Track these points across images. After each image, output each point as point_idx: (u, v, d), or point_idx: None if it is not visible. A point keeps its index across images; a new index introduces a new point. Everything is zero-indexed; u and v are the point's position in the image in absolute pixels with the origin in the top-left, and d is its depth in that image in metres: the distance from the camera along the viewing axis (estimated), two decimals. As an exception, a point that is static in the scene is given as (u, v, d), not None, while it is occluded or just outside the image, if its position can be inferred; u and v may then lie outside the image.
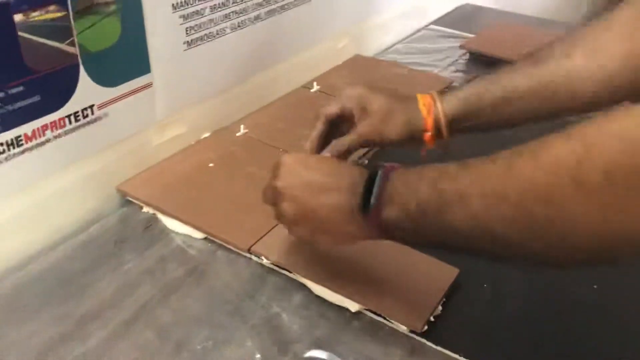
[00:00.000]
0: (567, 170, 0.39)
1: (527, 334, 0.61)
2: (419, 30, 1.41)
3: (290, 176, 0.57)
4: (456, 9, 1.55)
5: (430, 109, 0.67)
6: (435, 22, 1.45)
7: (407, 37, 1.37)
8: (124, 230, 0.72)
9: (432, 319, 0.60)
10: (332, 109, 0.70)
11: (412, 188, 0.49)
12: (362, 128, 0.68)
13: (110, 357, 0.55)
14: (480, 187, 0.45)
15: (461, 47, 1.26)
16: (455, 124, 0.67)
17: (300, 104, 1.01)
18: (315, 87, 1.05)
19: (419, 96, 0.69)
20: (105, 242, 0.70)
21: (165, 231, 0.72)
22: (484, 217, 0.44)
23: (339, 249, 0.61)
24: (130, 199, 0.76)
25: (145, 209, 0.75)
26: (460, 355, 0.57)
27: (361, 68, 1.15)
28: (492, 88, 0.66)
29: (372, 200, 0.50)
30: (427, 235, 0.49)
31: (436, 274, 0.64)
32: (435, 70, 1.18)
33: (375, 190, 0.50)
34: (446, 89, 0.71)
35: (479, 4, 1.59)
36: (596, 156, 0.38)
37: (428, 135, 0.67)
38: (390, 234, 0.51)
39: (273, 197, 0.58)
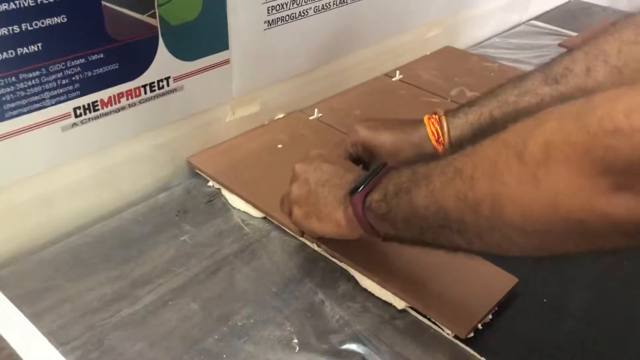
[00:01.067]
0: (514, 145, 0.39)
1: (580, 358, 0.56)
2: (518, 25, 1.34)
3: (310, 164, 0.61)
4: (562, 4, 1.46)
5: (440, 137, 0.66)
6: (538, 18, 1.37)
7: (505, 31, 1.31)
8: (188, 201, 0.74)
9: (480, 327, 0.58)
10: (343, 156, 0.71)
11: (396, 175, 0.52)
12: None
13: (154, 322, 0.57)
14: (443, 166, 0.46)
15: (560, 45, 1.19)
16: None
17: (380, 92, 0.99)
18: (398, 76, 1.02)
19: (426, 121, 0.67)
20: (169, 211, 0.72)
21: (226, 206, 0.73)
22: (440, 193, 0.45)
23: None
24: (198, 171, 0.78)
25: (211, 183, 0.76)
26: (504, 370, 0.55)
27: (450, 60, 1.11)
28: (505, 109, 0.63)
29: (363, 184, 0.53)
30: (396, 218, 0.50)
31: (493, 281, 0.61)
32: (529, 68, 1.12)
33: (369, 178, 0.54)
34: (462, 105, 0.67)
35: (590, 0, 1.49)
36: (540, 132, 0.38)
37: None
38: (369, 222, 0.53)
39: (291, 178, 0.63)
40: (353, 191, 0.55)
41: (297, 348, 0.56)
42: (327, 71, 0.94)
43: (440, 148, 0.66)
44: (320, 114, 0.90)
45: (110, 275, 0.62)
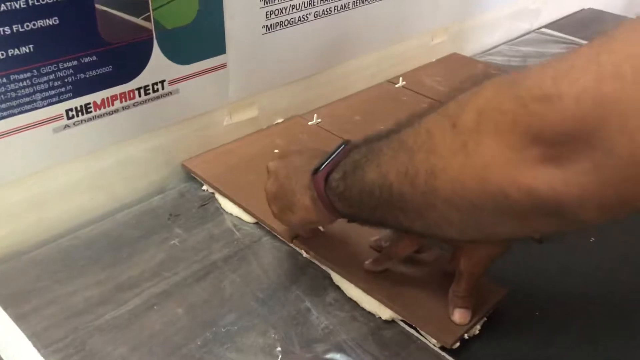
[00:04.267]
0: (452, 114, 0.39)
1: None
2: (528, 33, 1.32)
3: (282, 160, 0.61)
4: (575, 13, 1.44)
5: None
6: (549, 26, 1.36)
7: (514, 39, 1.30)
8: (181, 205, 0.73)
9: (466, 336, 0.56)
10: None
11: (355, 152, 0.50)
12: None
13: (137, 326, 0.57)
14: (392, 139, 0.45)
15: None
16: None
17: (382, 98, 0.98)
18: (401, 83, 1.01)
19: None
20: (162, 214, 0.72)
21: (219, 211, 0.73)
22: (386, 167, 0.45)
23: (301, 231, 0.64)
24: (193, 175, 0.78)
25: (205, 187, 0.76)
26: (490, 384, 0.53)
27: (455, 67, 1.10)
28: None
29: (324, 164, 0.52)
30: (352, 196, 0.49)
31: (482, 291, 0.60)
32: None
33: (330, 158, 0.52)
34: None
35: (603, 8, 1.47)
36: (475, 100, 0.38)
37: None
38: (331, 201, 0.52)
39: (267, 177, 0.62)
40: (315, 172, 0.54)
41: (280, 356, 0.55)
42: (327, 77, 0.93)
43: None
44: (320, 120, 0.89)
45: (98, 278, 0.62)
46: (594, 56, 0.33)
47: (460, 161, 0.38)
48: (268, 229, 0.69)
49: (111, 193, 0.72)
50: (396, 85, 1.01)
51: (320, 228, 0.66)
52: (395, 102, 0.97)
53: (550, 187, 0.33)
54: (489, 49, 1.24)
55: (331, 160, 0.53)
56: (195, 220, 0.71)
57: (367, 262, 0.62)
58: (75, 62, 0.62)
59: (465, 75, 1.08)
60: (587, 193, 0.33)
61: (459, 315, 0.56)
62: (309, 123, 0.89)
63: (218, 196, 0.74)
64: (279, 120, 0.89)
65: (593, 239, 0.71)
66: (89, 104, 0.65)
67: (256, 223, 0.71)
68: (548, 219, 0.36)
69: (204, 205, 0.74)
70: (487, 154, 0.36)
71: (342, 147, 0.53)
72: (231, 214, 0.72)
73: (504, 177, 0.35)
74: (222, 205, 0.73)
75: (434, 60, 1.12)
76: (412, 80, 1.03)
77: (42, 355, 0.53)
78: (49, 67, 0.60)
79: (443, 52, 1.13)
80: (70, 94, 0.63)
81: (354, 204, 0.51)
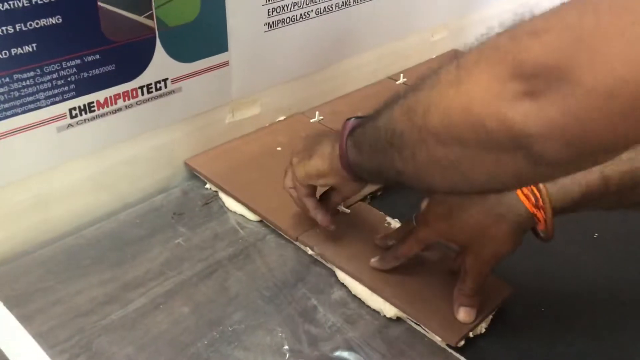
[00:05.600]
0: (460, 56, 0.39)
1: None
2: (527, 29, 1.32)
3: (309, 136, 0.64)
4: (574, 8, 1.44)
5: (537, 199, 0.54)
6: (548, 22, 1.35)
7: (514, 35, 1.29)
8: (185, 203, 0.73)
9: (470, 335, 0.56)
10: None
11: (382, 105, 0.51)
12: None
13: (144, 326, 0.57)
14: (407, 94, 0.45)
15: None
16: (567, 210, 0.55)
17: (384, 95, 0.96)
18: (402, 79, 1.01)
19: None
20: (166, 213, 0.71)
21: (222, 209, 0.73)
22: (396, 109, 0.45)
23: (305, 185, 0.63)
24: (196, 174, 0.77)
25: (208, 185, 0.76)
26: (498, 381, 0.53)
27: (455, 64, 1.10)
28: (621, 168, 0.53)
29: (353, 120, 0.55)
30: (364, 142, 0.51)
31: (488, 289, 0.60)
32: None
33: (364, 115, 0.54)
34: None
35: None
36: (483, 42, 0.38)
37: (542, 226, 0.55)
38: (346, 149, 0.54)
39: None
40: (348, 119, 0.56)
41: (288, 355, 0.55)
42: (329, 74, 0.93)
43: (539, 214, 0.54)
44: (322, 117, 0.89)
45: (103, 278, 0.62)
46: None
47: (451, 94, 0.39)
48: (272, 226, 0.69)
49: (115, 192, 0.72)
50: (397, 82, 1.01)
51: (342, 208, 0.69)
52: (396, 99, 0.97)
53: (524, 119, 0.34)
54: (489, 45, 1.24)
55: (365, 115, 0.54)
56: (199, 219, 0.71)
57: (373, 260, 0.61)
58: (78, 61, 0.62)
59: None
60: (552, 125, 0.33)
61: (463, 314, 0.56)
62: (311, 120, 0.88)
63: (221, 194, 0.74)
64: (281, 118, 0.88)
65: (597, 234, 0.71)
66: (92, 103, 0.65)
67: (260, 221, 0.71)
68: (519, 154, 0.36)
69: (208, 203, 0.74)
70: (475, 86, 0.37)
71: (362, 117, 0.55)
72: (235, 212, 0.72)
73: (486, 108, 0.36)
74: (226, 204, 0.73)
75: (434, 56, 1.12)
76: (413, 77, 1.02)
77: (49, 355, 0.53)
78: (52, 66, 0.60)
79: (443, 49, 1.13)
80: (73, 93, 0.63)
81: (364, 150, 0.52)
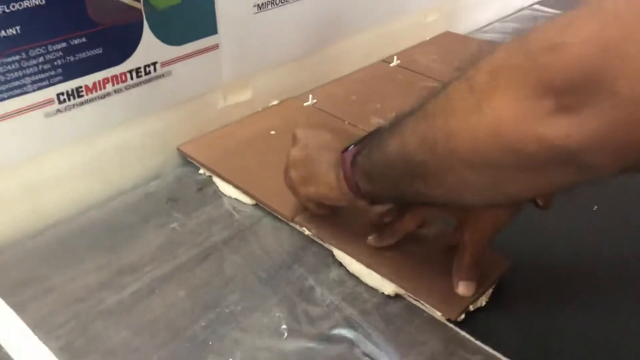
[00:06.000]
0: (469, 77, 0.39)
1: (583, 346, 0.54)
2: (521, 10, 1.31)
3: (312, 129, 0.62)
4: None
5: None
6: (542, 2, 1.35)
7: (507, 16, 1.29)
8: (178, 189, 0.72)
9: (471, 308, 0.56)
10: None
11: (383, 128, 0.50)
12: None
13: (139, 310, 0.56)
14: (416, 109, 0.45)
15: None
16: None
17: (377, 78, 0.97)
18: (395, 62, 1.00)
19: None
20: (159, 199, 0.70)
21: (217, 194, 0.72)
22: (407, 137, 0.45)
23: (311, 205, 0.62)
24: (189, 159, 0.76)
25: (202, 171, 0.75)
26: (500, 353, 0.52)
27: (449, 45, 1.09)
28: None
29: (355, 143, 0.54)
30: (374, 171, 0.50)
31: (485, 264, 0.59)
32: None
33: (363, 137, 0.53)
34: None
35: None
36: (489, 60, 0.38)
37: None
38: (355, 180, 0.53)
39: (292, 142, 0.62)
40: (344, 150, 0.54)
41: (286, 334, 0.54)
42: (321, 57, 0.92)
43: None
44: (315, 100, 0.88)
45: (97, 264, 0.61)
46: (598, 3, 0.32)
47: (475, 120, 0.38)
48: (268, 209, 0.68)
49: (107, 179, 0.71)
50: (391, 65, 1.00)
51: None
52: (390, 81, 0.96)
53: (564, 135, 0.33)
54: (482, 27, 1.23)
55: (362, 138, 0.53)
56: (193, 204, 0.70)
57: (370, 238, 0.61)
58: (64, 44, 0.61)
59: (459, 53, 1.08)
60: (598, 136, 0.32)
61: (463, 288, 0.55)
62: (305, 104, 0.87)
63: (215, 179, 0.73)
64: (274, 102, 0.87)
65: (596, 207, 0.70)
66: (81, 87, 0.64)
67: (255, 204, 0.70)
68: (564, 169, 0.35)
69: (202, 189, 0.73)
70: (500, 110, 0.36)
71: (375, 129, 0.53)
72: (230, 197, 0.71)
73: (518, 131, 0.35)
74: (220, 188, 0.72)
75: (427, 39, 1.11)
76: (407, 59, 1.02)
77: (44, 342, 0.52)
78: (37, 49, 0.59)
79: (436, 31, 1.12)
80: (60, 78, 0.62)
81: (376, 181, 0.51)
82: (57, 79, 0.61)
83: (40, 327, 0.54)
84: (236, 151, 0.76)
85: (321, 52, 0.92)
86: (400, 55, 1.02)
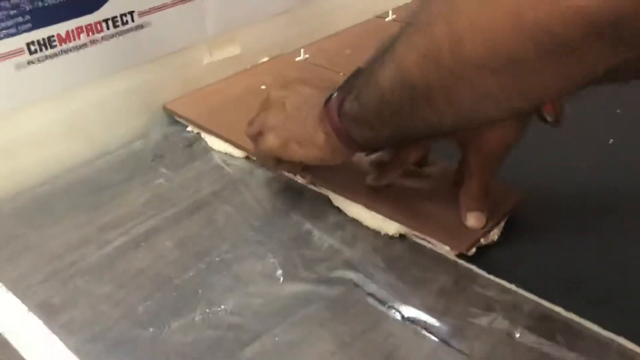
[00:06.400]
0: None
1: (603, 277, 0.49)
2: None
3: (286, 89, 0.55)
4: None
5: None
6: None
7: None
8: (165, 147, 0.68)
9: (482, 241, 0.51)
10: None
11: (364, 66, 0.46)
12: None
13: (124, 264, 0.52)
14: (403, 29, 0.41)
15: None
16: None
17: (373, 33, 0.92)
18: (391, 16, 0.96)
19: None
20: (144, 158, 0.66)
21: (206, 149, 0.68)
22: (402, 60, 0.40)
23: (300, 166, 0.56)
24: (177, 118, 0.72)
25: (190, 128, 0.71)
26: (516, 285, 0.48)
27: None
28: None
29: (335, 92, 0.49)
30: (368, 113, 0.45)
31: (496, 196, 0.54)
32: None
33: (344, 84, 0.49)
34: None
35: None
36: None
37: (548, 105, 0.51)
38: (346, 131, 0.48)
39: (261, 107, 0.56)
40: (327, 100, 0.49)
41: (282, 279, 0.50)
42: (313, 10, 0.87)
43: None
44: (307, 55, 0.84)
45: (78, 222, 0.57)
46: None
47: (487, 11, 0.33)
48: (260, 160, 0.64)
49: (89, 139, 0.67)
50: (386, 20, 0.96)
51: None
52: (387, 35, 0.91)
53: (605, 3, 0.28)
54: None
55: (343, 84, 0.48)
56: (181, 159, 0.66)
57: (369, 177, 0.56)
58: (31, -12, 0.57)
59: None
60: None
61: (472, 219, 0.51)
62: (297, 59, 0.83)
63: (204, 135, 0.69)
64: (264, 59, 0.83)
65: (612, 140, 0.65)
66: (53, 36, 0.60)
67: (247, 157, 0.66)
68: (598, 46, 0.31)
69: (190, 145, 0.68)
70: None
71: (355, 71, 0.48)
72: (220, 151, 0.67)
73: (543, 9, 0.30)
74: (210, 144, 0.68)
75: (423, -6, 1.06)
76: (403, 14, 0.97)
77: (21, 299, 0.48)
78: (1, -7, 0.55)
79: (432, -14, 1.08)
80: (29, 25, 0.58)
81: (372, 124, 0.46)
82: (25, 26, 0.57)
83: (17, 285, 0.50)
84: (225, 107, 0.72)
85: (313, 5, 0.87)
86: (395, 10, 0.98)
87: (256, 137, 0.55)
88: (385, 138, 0.48)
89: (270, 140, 0.53)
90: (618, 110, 0.70)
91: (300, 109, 0.53)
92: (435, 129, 0.44)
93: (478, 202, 0.51)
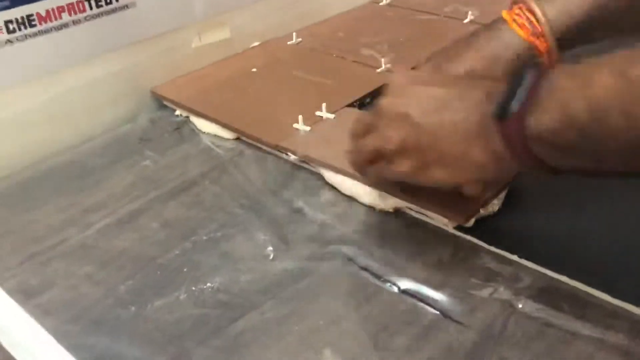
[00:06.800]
0: None
1: (602, 246, 0.47)
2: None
3: (402, 95, 0.43)
4: None
5: (537, 26, 0.44)
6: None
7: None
8: (152, 131, 0.66)
9: (482, 212, 0.49)
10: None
11: (581, 80, 0.33)
12: None
13: (106, 245, 0.49)
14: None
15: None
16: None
17: (366, 17, 0.90)
18: (386, 1, 0.94)
19: (506, 16, 0.47)
20: (130, 141, 0.64)
21: (194, 132, 0.65)
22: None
23: (453, 191, 0.44)
24: (165, 102, 0.70)
25: (178, 112, 0.69)
26: (518, 256, 0.45)
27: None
28: None
29: (515, 102, 0.35)
30: (585, 150, 0.34)
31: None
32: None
33: (520, 90, 0.35)
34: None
35: None
36: None
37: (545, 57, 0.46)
38: (537, 152, 0.36)
39: (370, 122, 0.44)
40: (501, 113, 0.36)
41: (272, 255, 0.47)
42: (304, -6, 0.86)
43: (540, 43, 0.44)
44: (300, 39, 0.82)
45: (61, 206, 0.55)
46: None
47: None
48: (250, 140, 0.62)
49: (73, 124, 0.64)
50: (380, 4, 0.94)
51: (325, 114, 0.59)
52: (381, 19, 0.89)
53: None
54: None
55: (526, 95, 0.35)
56: (168, 142, 0.64)
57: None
58: (8, -36, 0.55)
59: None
60: None
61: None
62: (289, 43, 0.81)
63: (193, 118, 0.67)
64: (255, 44, 0.81)
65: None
66: (32, 15, 0.58)
67: (237, 139, 0.63)
68: None
69: (178, 129, 0.66)
70: None
71: (525, 72, 0.36)
72: (209, 134, 0.65)
73: None
74: (199, 126, 0.66)
75: (418, -20, 1.04)
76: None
77: (-5, 282, 0.46)
78: (-24, -32, 0.53)
79: (427, -28, 1.06)
80: (7, 3, 0.56)
81: (584, 147, 0.34)
82: (3, 3, 0.55)
83: (-7, 268, 0.47)
84: (215, 89, 0.70)
85: (304, -12, 0.85)
86: (390, -5, 0.96)
87: (370, 163, 0.46)
88: (582, 165, 0.36)
89: (404, 166, 0.43)
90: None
91: (437, 118, 0.41)
92: None
93: None
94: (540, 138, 0.35)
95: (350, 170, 0.53)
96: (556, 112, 0.34)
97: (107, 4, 0.63)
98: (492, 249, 0.46)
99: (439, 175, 0.42)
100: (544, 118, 0.34)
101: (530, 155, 0.36)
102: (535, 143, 0.35)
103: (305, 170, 0.58)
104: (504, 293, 0.42)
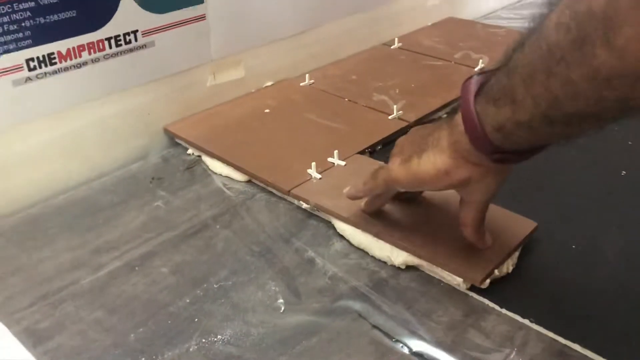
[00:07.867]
0: None
1: (617, 305, 0.47)
2: (525, -2, 1.27)
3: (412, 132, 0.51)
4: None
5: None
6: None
7: (514, 3, 1.24)
8: (165, 169, 0.66)
9: (497, 273, 0.49)
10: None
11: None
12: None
13: (116, 289, 0.49)
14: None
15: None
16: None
17: (378, 59, 0.92)
18: (397, 44, 0.95)
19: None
20: (142, 179, 0.64)
21: (206, 172, 0.66)
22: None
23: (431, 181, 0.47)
24: (177, 140, 0.70)
25: (190, 151, 0.69)
26: (530, 321, 0.45)
27: (453, 28, 1.04)
28: None
29: (475, 78, 0.42)
30: (517, 86, 0.37)
31: (509, 227, 0.52)
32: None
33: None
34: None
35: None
36: None
37: None
38: (479, 112, 0.41)
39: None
40: (467, 80, 0.42)
41: (283, 308, 0.47)
42: (318, 35, 0.87)
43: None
44: (313, 80, 0.82)
45: (71, 244, 0.54)
46: None
47: None
48: (262, 184, 0.62)
49: (86, 160, 0.65)
50: (392, 47, 0.95)
51: (337, 161, 0.62)
52: (393, 61, 0.90)
53: None
54: (487, 14, 1.18)
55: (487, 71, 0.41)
56: (180, 182, 0.64)
57: (363, 202, 0.54)
58: (32, 4, 0.55)
59: (465, 37, 1.01)
60: None
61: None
62: (301, 84, 0.82)
63: (205, 158, 0.67)
64: (269, 83, 0.82)
65: (624, 172, 0.63)
66: (53, 53, 0.58)
67: (248, 181, 0.64)
68: None
69: (190, 167, 0.66)
70: None
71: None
72: (220, 175, 0.65)
73: None
74: (210, 167, 0.66)
75: (429, 24, 1.05)
76: (409, 42, 0.96)
77: (5, 324, 0.45)
78: (1, 7, 0.53)
79: (438, 16, 1.07)
80: (29, 41, 0.56)
81: (517, 92, 0.37)
82: (25, 42, 0.56)
83: (3, 309, 0.47)
84: (227, 129, 0.70)
85: (318, 30, 0.86)
86: (401, 38, 0.97)
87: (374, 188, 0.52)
88: (525, 123, 0.38)
89: (393, 163, 0.49)
90: (630, 142, 0.69)
91: (423, 133, 0.48)
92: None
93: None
94: (487, 92, 0.40)
95: (362, 223, 0.53)
96: (502, 72, 0.39)
97: (126, 43, 0.64)
98: (504, 311, 0.46)
99: (412, 167, 0.46)
100: (494, 76, 0.40)
101: (473, 116, 0.41)
102: (481, 99, 0.41)
103: (316, 218, 0.58)
104: (515, 359, 0.42)
